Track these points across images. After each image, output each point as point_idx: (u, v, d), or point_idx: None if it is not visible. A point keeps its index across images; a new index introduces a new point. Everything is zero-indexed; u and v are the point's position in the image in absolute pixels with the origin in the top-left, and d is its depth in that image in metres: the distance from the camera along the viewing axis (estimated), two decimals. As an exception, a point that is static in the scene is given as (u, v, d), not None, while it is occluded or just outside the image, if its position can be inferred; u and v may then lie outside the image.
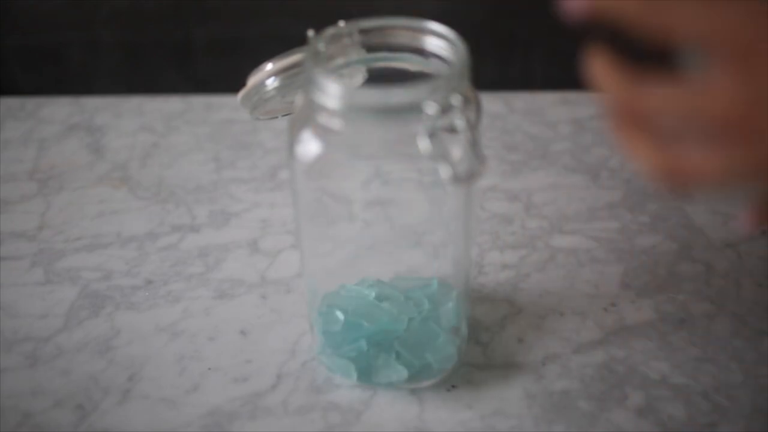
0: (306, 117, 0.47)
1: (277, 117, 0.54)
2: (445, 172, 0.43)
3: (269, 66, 0.52)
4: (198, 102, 0.87)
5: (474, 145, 0.44)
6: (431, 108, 0.43)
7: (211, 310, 0.61)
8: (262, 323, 0.60)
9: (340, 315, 0.54)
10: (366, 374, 0.53)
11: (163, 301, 0.62)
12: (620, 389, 0.54)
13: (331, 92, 0.44)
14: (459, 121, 0.44)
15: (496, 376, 0.55)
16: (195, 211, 0.71)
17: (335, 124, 0.45)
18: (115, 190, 0.73)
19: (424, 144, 0.43)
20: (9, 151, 0.80)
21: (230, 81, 0.95)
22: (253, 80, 0.52)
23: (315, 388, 0.54)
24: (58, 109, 0.86)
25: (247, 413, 0.53)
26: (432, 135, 0.43)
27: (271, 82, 0.51)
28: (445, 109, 0.44)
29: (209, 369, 0.56)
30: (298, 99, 0.49)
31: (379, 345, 0.53)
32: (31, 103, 0.87)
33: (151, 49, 0.93)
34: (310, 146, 0.47)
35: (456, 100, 0.44)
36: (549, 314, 0.60)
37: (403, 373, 0.52)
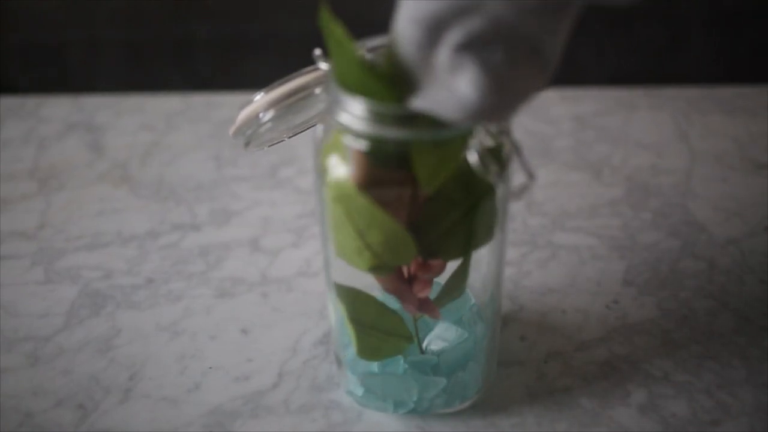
0: (333, 142, 0.45)
1: (274, 144, 0.52)
2: (497, 186, 0.43)
3: (259, 97, 0.48)
4: (198, 100, 0.87)
5: (522, 160, 0.43)
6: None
7: (212, 308, 0.61)
8: (263, 322, 0.59)
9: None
10: (402, 405, 0.52)
11: (164, 300, 0.62)
12: (623, 387, 0.54)
13: (361, 113, 0.42)
14: (506, 136, 0.44)
15: (498, 373, 0.54)
16: (196, 209, 0.71)
17: (364, 145, 0.44)
18: (115, 188, 0.73)
19: (474, 160, 0.42)
20: (9, 150, 0.80)
21: (231, 79, 0.95)
22: (244, 114, 0.49)
23: (317, 387, 0.54)
24: (59, 108, 0.86)
25: (249, 412, 0.53)
26: (482, 151, 0.42)
27: (265, 115, 0.48)
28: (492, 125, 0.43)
29: (210, 368, 0.56)
30: (319, 123, 0.47)
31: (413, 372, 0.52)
32: (31, 101, 0.87)
33: (151, 48, 0.93)
34: (340, 170, 0.45)
35: None
36: (551, 312, 0.60)
37: (441, 386, 0.51)
